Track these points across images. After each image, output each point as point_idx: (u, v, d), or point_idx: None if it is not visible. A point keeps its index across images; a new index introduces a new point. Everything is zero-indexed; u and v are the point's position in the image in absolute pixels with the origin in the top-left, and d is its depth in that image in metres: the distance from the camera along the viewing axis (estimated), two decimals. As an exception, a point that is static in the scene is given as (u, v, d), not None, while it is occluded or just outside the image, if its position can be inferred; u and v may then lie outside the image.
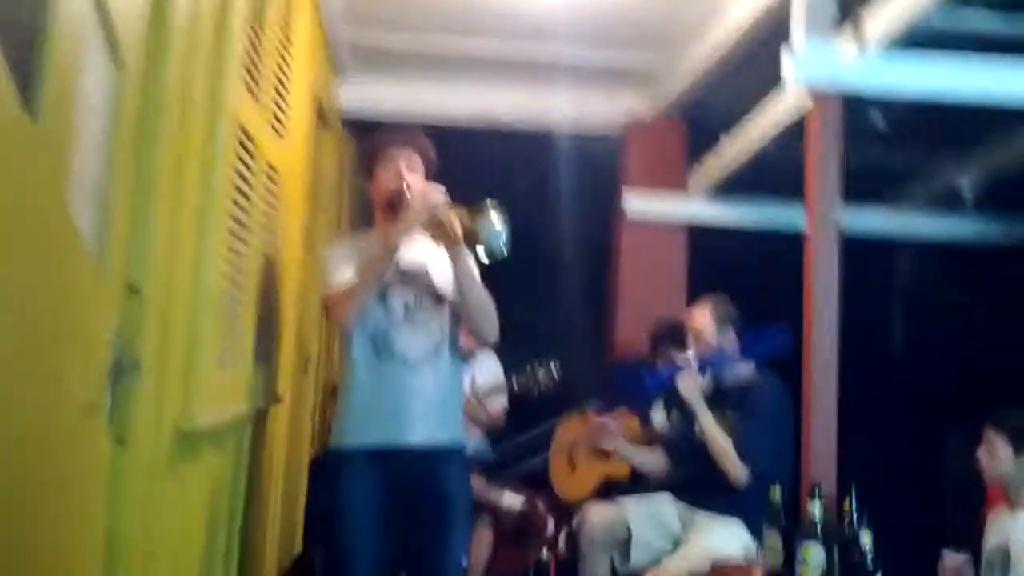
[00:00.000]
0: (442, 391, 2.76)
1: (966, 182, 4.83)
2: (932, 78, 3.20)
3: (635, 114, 4.91)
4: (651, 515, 3.57)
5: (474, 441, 4.25)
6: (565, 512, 4.32)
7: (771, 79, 3.22)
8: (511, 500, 4.44)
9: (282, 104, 3.00)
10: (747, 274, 4.93)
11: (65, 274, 1.40)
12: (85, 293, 1.53)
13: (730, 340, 3.59)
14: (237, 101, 2.35)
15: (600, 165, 5.03)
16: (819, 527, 2.75)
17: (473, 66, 4.54)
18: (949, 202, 4.99)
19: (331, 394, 4.73)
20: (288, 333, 3.36)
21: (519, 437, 4.27)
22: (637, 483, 4.02)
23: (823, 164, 3.09)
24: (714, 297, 3.69)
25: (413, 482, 2.70)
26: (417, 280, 2.78)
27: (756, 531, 3.21)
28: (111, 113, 1.56)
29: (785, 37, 3.21)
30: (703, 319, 3.62)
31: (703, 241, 4.94)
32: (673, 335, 3.90)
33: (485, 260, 2.61)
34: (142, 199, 1.77)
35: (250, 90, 2.56)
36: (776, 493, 2.94)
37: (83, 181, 1.49)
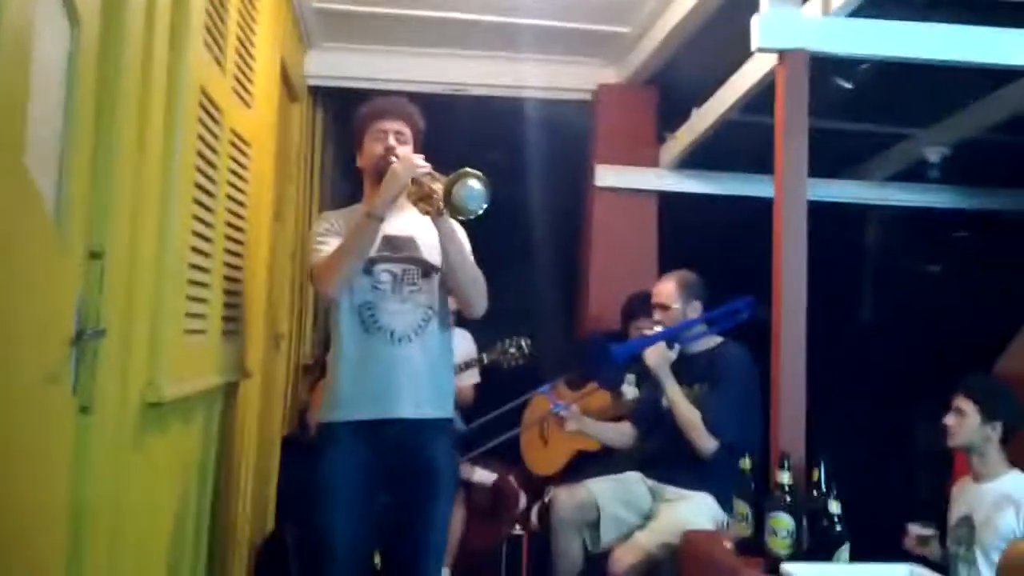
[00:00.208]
0: (431, 365, 2.73)
1: (933, 150, 4.85)
2: (897, 40, 3.23)
3: (606, 81, 4.89)
4: (620, 494, 3.58)
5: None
6: (537, 487, 4.33)
7: (743, 45, 3.22)
8: (482, 476, 4.44)
9: (248, 73, 2.96)
10: (720, 243, 4.96)
11: (22, 238, 1.37)
12: (44, 258, 1.49)
13: (696, 312, 3.60)
14: (199, 65, 2.30)
15: (571, 134, 5.00)
16: (788, 497, 2.76)
17: (443, 33, 4.49)
18: (917, 171, 5.02)
19: (304, 373, 4.71)
20: (257, 306, 3.33)
21: (490, 413, 4.25)
22: (608, 455, 4.03)
23: (790, 127, 3.11)
24: (680, 271, 3.70)
25: (400, 456, 2.68)
26: (404, 252, 2.75)
27: (726, 502, 3.22)
28: (69, 73, 1.53)
29: (756, 3, 3.22)
30: (668, 292, 3.63)
31: (674, 210, 4.93)
32: (645, 308, 3.89)
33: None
34: (103, 162, 1.74)
35: (215, 58, 2.51)
36: (746, 463, 2.95)
37: (42, 143, 1.46)
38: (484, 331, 4.26)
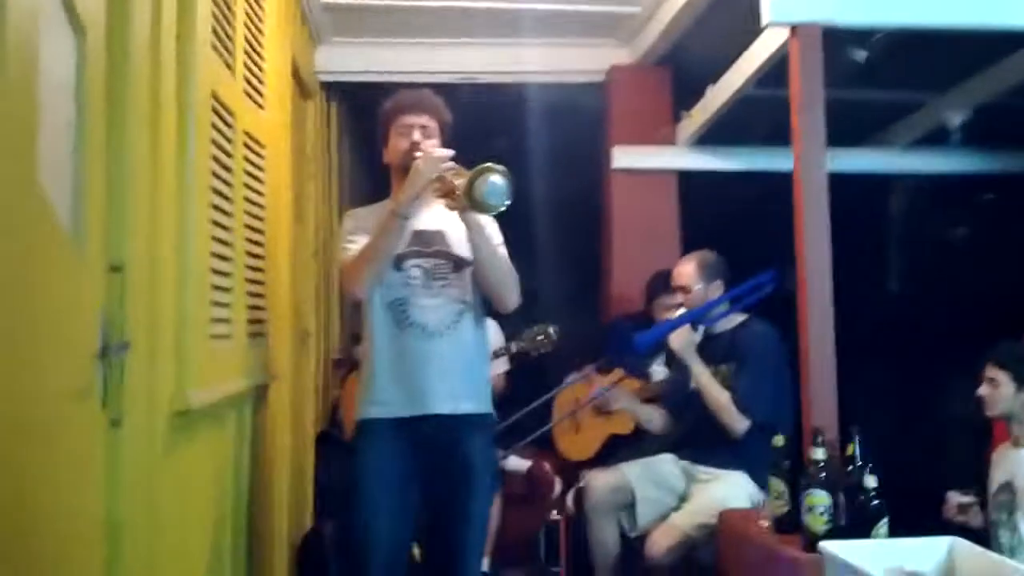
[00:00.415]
0: (466, 359, 2.72)
1: (954, 115, 4.78)
2: (909, 8, 3.18)
3: (619, 63, 4.85)
4: (654, 476, 3.57)
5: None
6: (572, 473, 4.32)
7: (755, 20, 3.18)
8: (516, 463, 4.43)
9: (258, 74, 2.94)
10: (744, 217, 4.91)
11: (40, 256, 1.36)
12: (64, 274, 1.49)
13: (718, 291, 3.57)
14: (209, 69, 2.29)
15: (586, 117, 4.97)
16: (823, 473, 2.73)
17: (452, 21, 4.47)
18: (939, 136, 4.95)
19: (334, 368, 4.72)
20: (282, 307, 3.33)
21: (520, 407, 4.24)
22: (641, 438, 4.02)
23: (806, 101, 3.06)
24: (699, 251, 3.67)
25: (436, 452, 2.67)
26: (434, 246, 2.74)
27: (761, 481, 3.20)
28: (77, 85, 1.52)
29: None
30: (688, 273, 3.60)
31: (695, 188, 4.89)
32: (668, 286, 3.87)
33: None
34: (117, 175, 1.73)
35: (224, 61, 2.50)
36: (779, 440, 2.93)
37: (55, 159, 1.45)
38: (508, 319, 4.25)
